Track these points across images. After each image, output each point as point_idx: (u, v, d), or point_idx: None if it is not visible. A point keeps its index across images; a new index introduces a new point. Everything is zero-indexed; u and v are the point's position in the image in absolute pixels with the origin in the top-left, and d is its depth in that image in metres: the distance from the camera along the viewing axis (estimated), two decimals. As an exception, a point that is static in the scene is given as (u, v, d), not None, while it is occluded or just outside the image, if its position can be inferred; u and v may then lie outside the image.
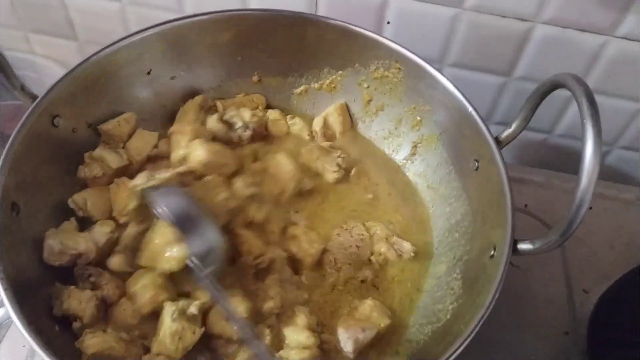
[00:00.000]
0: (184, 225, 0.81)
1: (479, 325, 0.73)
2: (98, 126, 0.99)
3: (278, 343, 0.85)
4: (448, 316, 0.87)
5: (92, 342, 0.77)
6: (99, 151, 0.95)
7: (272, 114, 1.13)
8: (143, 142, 1.02)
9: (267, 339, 0.83)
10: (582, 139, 0.69)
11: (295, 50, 1.11)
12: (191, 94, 1.12)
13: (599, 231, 1.21)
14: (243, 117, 1.06)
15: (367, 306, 0.88)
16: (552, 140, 1.39)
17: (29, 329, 0.70)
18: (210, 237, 0.82)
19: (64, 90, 0.91)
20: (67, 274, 0.87)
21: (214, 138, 1.03)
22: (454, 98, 0.97)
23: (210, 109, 1.11)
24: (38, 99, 0.87)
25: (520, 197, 1.16)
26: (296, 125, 1.14)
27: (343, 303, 0.93)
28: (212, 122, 1.03)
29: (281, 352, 0.82)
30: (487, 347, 1.01)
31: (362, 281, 0.95)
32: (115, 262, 0.86)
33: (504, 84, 1.28)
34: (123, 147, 1.00)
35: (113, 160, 0.96)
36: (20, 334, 0.94)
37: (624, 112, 1.28)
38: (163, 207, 0.80)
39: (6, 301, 0.71)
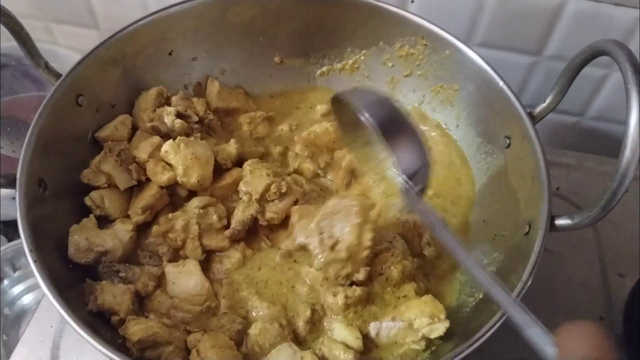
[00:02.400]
0: (390, 135, 0.72)
1: (519, 298, 0.70)
2: (96, 134, 0.95)
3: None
4: (481, 296, 0.84)
5: (136, 328, 0.75)
6: (109, 167, 0.89)
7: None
8: (146, 144, 0.94)
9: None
10: (626, 105, 0.66)
11: (318, 29, 1.09)
12: (212, 74, 1.10)
13: (634, 215, 1.17)
14: (197, 110, 1.01)
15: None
16: (584, 123, 1.34)
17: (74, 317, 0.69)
18: (419, 152, 0.73)
19: (88, 69, 0.90)
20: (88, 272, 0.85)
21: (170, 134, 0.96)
22: (484, 73, 0.94)
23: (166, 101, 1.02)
24: (62, 77, 0.86)
25: (551, 180, 1.12)
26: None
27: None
28: (169, 118, 0.95)
29: (324, 340, 0.81)
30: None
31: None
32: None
33: (533, 63, 1.24)
34: (134, 161, 0.91)
35: (122, 181, 0.89)
36: (46, 316, 0.97)
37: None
38: (367, 114, 0.71)
39: (45, 288, 0.70)
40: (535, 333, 0.57)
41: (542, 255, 0.75)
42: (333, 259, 0.81)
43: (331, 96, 0.82)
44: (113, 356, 0.66)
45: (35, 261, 0.71)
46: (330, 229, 0.81)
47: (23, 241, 0.72)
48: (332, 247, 0.80)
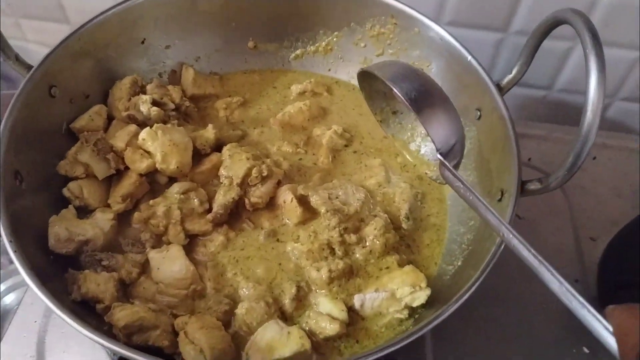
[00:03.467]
0: (425, 111, 0.73)
1: (494, 258, 0.72)
2: (71, 125, 0.94)
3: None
4: (459, 263, 0.87)
5: (121, 314, 0.75)
6: (86, 157, 0.89)
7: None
8: (123, 132, 0.94)
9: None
10: (586, 71, 0.68)
11: (290, 13, 1.10)
12: (186, 62, 1.10)
13: (603, 180, 1.21)
14: (173, 98, 1.01)
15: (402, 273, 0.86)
16: (551, 96, 1.38)
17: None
18: (454, 126, 0.74)
19: (59, 60, 0.90)
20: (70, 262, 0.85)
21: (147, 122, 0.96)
22: (453, 48, 0.96)
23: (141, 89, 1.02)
24: (33, 68, 0.86)
25: (523, 151, 1.15)
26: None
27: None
28: (145, 106, 0.95)
29: (310, 313, 0.83)
30: (499, 298, 1.02)
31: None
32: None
33: (500, 40, 1.27)
34: (112, 150, 0.91)
35: (100, 170, 0.89)
36: (30, 311, 0.97)
37: (623, 62, 1.27)
38: (399, 86, 0.72)
39: (30, 282, 0.70)
40: (586, 316, 0.58)
41: (517, 222, 0.78)
42: (339, 209, 0.87)
43: (359, 71, 0.85)
44: (101, 341, 0.66)
45: (15, 251, 0.71)
46: (339, 196, 0.90)
47: (2, 232, 0.72)
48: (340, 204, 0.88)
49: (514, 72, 0.90)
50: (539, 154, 1.24)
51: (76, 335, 0.93)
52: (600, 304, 1.03)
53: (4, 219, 0.73)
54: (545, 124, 1.31)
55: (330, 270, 0.84)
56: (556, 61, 1.28)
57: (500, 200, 0.83)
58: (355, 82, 1.13)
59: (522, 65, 0.89)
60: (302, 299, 0.85)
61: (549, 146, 1.26)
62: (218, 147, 0.98)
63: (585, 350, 0.99)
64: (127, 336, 0.75)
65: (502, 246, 0.74)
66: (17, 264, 0.70)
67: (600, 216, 1.16)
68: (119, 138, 0.92)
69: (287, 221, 0.93)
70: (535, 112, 1.40)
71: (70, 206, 0.87)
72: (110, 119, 0.98)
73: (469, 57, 0.93)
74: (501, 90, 0.90)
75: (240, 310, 0.81)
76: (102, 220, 0.87)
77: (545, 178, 0.77)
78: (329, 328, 0.80)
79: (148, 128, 0.91)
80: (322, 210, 0.90)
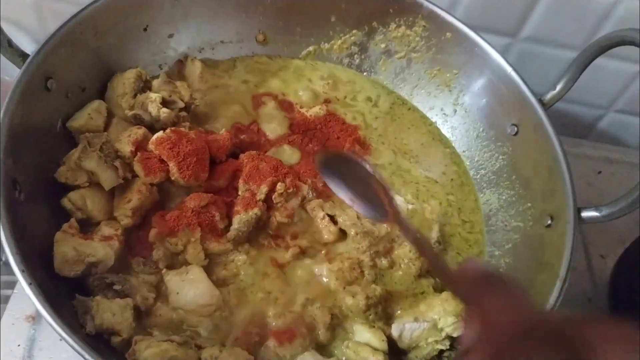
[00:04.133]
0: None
1: (561, 296, 0.68)
2: (67, 124, 0.82)
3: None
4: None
5: (149, 353, 0.65)
6: (93, 165, 0.77)
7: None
8: (128, 135, 0.82)
9: None
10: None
11: (306, 5, 1.01)
12: (189, 53, 0.99)
13: (609, 195, 1.19)
14: (182, 96, 0.90)
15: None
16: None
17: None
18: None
19: (57, 47, 0.77)
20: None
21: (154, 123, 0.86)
22: (490, 58, 0.91)
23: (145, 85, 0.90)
24: (30, 57, 0.73)
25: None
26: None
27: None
28: (154, 107, 0.84)
29: (349, 344, 0.76)
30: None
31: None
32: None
33: (508, 45, 1.23)
34: (117, 156, 0.80)
35: (107, 180, 0.77)
36: (12, 333, 0.85)
37: (624, 75, 1.27)
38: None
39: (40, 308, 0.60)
40: None
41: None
42: (369, 231, 0.81)
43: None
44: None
45: (30, 284, 0.59)
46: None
47: (11, 261, 0.60)
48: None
49: (557, 88, 0.86)
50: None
51: None
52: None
53: (10, 243, 0.61)
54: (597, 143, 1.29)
55: (367, 297, 0.77)
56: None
57: (549, 226, 0.79)
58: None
59: (568, 81, 0.85)
60: (335, 327, 0.78)
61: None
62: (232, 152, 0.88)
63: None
64: (155, 378, 0.65)
65: (563, 293, 0.70)
66: (33, 298, 0.59)
67: (608, 233, 1.15)
68: (124, 142, 0.80)
69: (315, 239, 0.85)
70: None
71: (72, 220, 0.75)
72: (109, 116, 0.86)
73: (509, 70, 0.88)
74: (544, 106, 0.85)
75: (273, 341, 0.73)
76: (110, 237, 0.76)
77: (604, 207, 0.75)
78: (373, 359, 0.73)
79: (161, 133, 0.80)
80: (352, 232, 0.83)
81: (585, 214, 0.76)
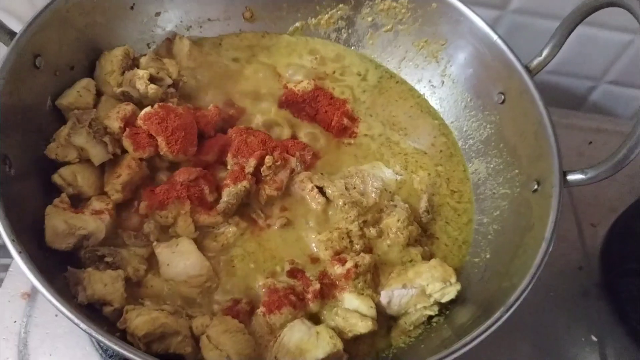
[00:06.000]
0: None
1: (546, 257, 0.69)
2: (56, 102, 0.82)
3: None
4: (488, 255, 0.83)
5: (139, 320, 0.66)
6: (82, 140, 0.77)
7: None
8: (116, 111, 0.82)
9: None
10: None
11: (293, -20, 1.01)
12: (176, 31, 0.99)
13: (601, 165, 1.21)
14: (170, 72, 0.90)
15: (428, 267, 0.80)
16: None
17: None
18: None
19: (45, 25, 0.78)
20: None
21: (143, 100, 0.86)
22: (476, 27, 0.91)
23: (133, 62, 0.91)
24: (18, 35, 0.73)
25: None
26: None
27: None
28: (141, 83, 0.85)
29: (338, 310, 0.77)
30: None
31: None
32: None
33: (498, 17, 1.22)
34: (106, 132, 0.80)
35: (97, 155, 0.78)
36: (8, 310, 0.86)
37: (615, 45, 1.26)
38: None
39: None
40: None
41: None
42: (357, 201, 0.82)
43: None
44: (130, 355, 0.58)
45: (20, 252, 0.60)
46: (357, 186, 0.85)
47: (2, 231, 0.61)
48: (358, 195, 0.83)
49: (543, 54, 0.86)
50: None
51: (63, 335, 0.86)
52: (605, 291, 1.04)
53: (3, 214, 0.62)
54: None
55: (356, 265, 0.78)
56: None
57: (535, 191, 0.79)
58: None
59: (554, 47, 0.85)
60: (325, 295, 0.79)
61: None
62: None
63: (594, 338, 0.99)
64: (147, 344, 0.66)
65: (547, 255, 0.70)
66: (25, 268, 0.60)
67: (599, 202, 1.16)
68: (113, 118, 0.81)
69: (304, 210, 0.86)
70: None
71: (63, 195, 0.76)
72: (98, 94, 0.87)
73: (495, 37, 0.89)
74: (530, 72, 0.85)
75: (262, 310, 0.74)
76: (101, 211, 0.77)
77: (590, 170, 0.75)
78: (361, 325, 0.74)
79: (149, 108, 0.81)
80: (340, 202, 0.84)
81: (570, 177, 0.76)
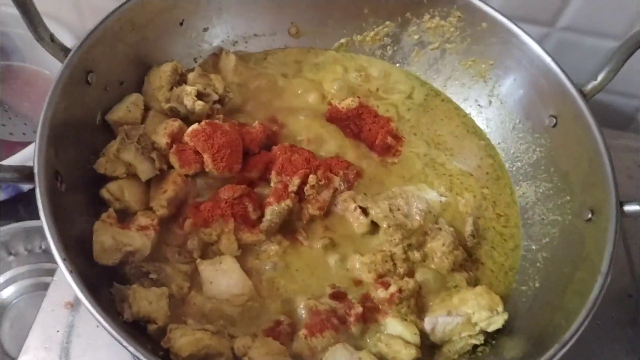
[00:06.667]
0: None
1: (603, 292, 0.66)
2: (106, 117, 0.83)
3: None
4: (537, 285, 0.81)
5: (183, 341, 0.66)
6: (131, 156, 0.78)
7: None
8: (164, 127, 0.83)
9: None
10: None
11: (339, -3, 1.00)
12: (222, 46, 1.00)
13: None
14: (216, 88, 0.90)
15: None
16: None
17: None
18: None
19: (98, 42, 0.79)
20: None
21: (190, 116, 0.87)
22: (528, 49, 0.89)
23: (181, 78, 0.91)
24: (72, 52, 0.74)
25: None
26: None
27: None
28: (189, 99, 0.85)
29: (381, 336, 0.75)
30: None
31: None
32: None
33: (546, 34, 1.20)
34: (154, 148, 0.81)
35: (145, 171, 0.79)
36: (51, 319, 0.88)
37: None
38: None
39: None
40: None
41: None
42: (401, 224, 0.81)
43: None
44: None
45: (71, 272, 0.61)
46: (401, 207, 0.84)
47: (53, 249, 0.62)
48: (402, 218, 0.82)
49: (599, 78, 0.83)
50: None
51: (104, 347, 0.87)
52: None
53: (52, 232, 0.62)
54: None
55: (400, 290, 0.77)
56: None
57: (589, 220, 0.77)
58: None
59: (609, 72, 0.82)
60: (367, 319, 0.77)
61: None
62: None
63: (642, 365, 0.95)
64: (190, 365, 0.66)
65: (604, 289, 0.68)
66: (75, 287, 0.60)
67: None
68: (161, 134, 0.82)
69: (346, 231, 0.85)
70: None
71: (111, 210, 0.77)
72: (146, 109, 0.88)
73: (548, 60, 0.86)
74: (584, 97, 0.83)
75: (304, 332, 0.73)
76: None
77: (648, 200, 0.71)
78: (404, 353, 0.73)
79: (196, 125, 0.81)
80: (384, 225, 0.83)
81: (628, 207, 0.73)
